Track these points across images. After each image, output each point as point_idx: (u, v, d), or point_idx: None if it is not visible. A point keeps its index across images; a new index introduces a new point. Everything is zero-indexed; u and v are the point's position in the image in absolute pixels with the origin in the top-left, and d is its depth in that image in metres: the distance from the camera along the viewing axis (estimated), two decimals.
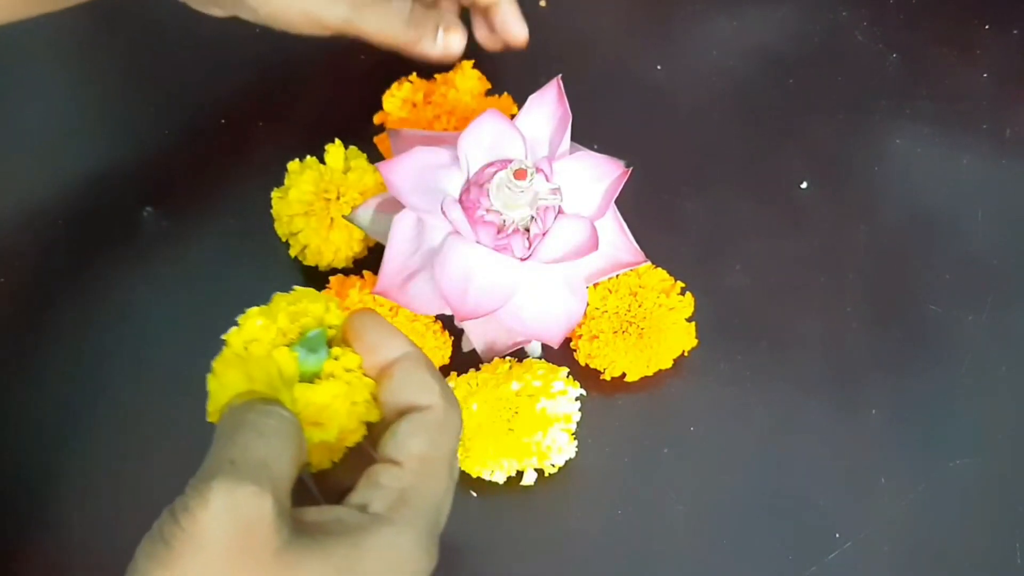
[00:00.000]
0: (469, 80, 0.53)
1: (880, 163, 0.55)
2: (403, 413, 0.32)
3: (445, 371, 0.48)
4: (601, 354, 0.48)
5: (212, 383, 0.32)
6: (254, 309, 0.32)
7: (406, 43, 0.49)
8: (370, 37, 0.49)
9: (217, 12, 0.50)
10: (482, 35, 0.53)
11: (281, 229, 0.50)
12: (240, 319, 0.32)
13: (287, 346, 0.32)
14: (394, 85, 0.53)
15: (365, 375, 0.33)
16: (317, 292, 0.34)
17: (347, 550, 0.29)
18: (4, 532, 0.47)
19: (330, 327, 0.33)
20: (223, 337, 0.32)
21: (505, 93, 0.54)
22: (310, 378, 0.32)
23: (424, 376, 0.32)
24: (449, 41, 0.49)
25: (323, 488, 0.34)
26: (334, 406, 0.32)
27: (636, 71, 0.58)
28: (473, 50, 0.52)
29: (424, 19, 0.49)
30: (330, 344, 0.33)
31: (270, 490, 0.28)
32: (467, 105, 0.52)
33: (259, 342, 0.32)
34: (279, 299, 0.33)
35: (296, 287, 0.34)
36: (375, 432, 0.33)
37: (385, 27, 0.48)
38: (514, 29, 0.52)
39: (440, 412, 0.32)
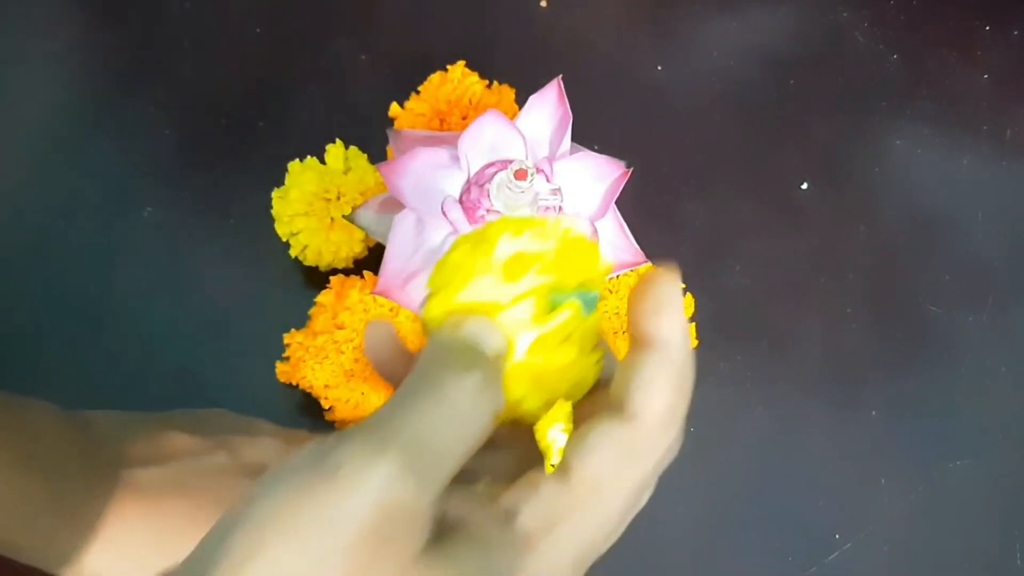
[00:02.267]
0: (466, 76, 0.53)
1: (880, 163, 0.55)
2: (615, 408, 0.26)
3: None
4: None
5: (441, 279, 0.25)
6: (544, 220, 0.26)
7: None
8: None
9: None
10: None
11: (281, 229, 0.50)
12: (509, 225, 0.25)
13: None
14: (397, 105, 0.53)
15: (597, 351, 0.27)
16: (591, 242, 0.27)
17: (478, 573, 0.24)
18: None
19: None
20: (489, 224, 0.26)
21: (505, 84, 0.54)
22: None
23: (673, 381, 0.26)
24: None
25: None
26: (566, 375, 0.26)
27: (636, 71, 0.58)
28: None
29: None
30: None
31: (433, 492, 0.23)
32: (475, 93, 0.52)
33: (538, 261, 0.25)
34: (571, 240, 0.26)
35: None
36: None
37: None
38: None
39: (644, 430, 0.26)
